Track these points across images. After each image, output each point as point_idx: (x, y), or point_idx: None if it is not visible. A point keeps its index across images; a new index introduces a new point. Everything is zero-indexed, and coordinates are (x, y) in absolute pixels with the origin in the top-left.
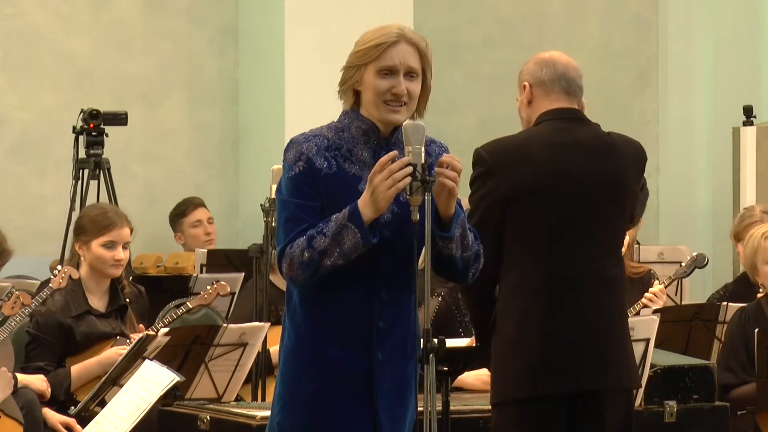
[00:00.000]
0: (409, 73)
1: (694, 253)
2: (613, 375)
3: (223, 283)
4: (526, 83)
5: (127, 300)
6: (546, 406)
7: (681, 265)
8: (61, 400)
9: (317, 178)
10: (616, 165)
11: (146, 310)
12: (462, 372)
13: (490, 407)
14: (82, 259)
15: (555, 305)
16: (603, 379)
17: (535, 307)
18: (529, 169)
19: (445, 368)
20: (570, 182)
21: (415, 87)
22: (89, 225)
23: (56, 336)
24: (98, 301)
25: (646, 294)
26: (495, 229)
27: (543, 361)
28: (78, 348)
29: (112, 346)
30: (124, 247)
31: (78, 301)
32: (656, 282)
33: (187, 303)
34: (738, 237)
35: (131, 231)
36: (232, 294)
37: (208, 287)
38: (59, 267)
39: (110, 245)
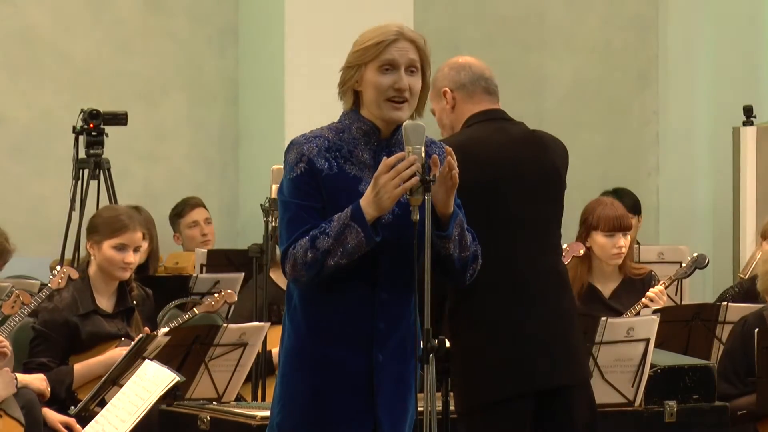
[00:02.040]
0: (410, 68)
1: (695, 254)
2: (579, 369)
3: (230, 291)
4: (447, 89)
5: (135, 302)
6: (516, 407)
7: (681, 266)
8: (62, 398)
9: (318, 179)
10: (551, 161)
11: (152, 313)
12: None
13: None
14: (92, 258)
15: (515, 305)
16: (571, 374)
17: (495, 308)
18: (474, 169)
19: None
20: (514, 180)
21: (416, 83)
22: (102, 226)
23: (61, 333)
24: (106, 302)
25: (648, 294)
26: None
27: (512, 361)
28: (83, 347)
29: (116, 347)
30: (135, 251)
31: (85, 300)
32: (656, 284)
33: (194, 309)
34: (765, 235)
35: (144, 235)
36: None
37: (216, 294)
38: (58, 267)
39: (121, 248)
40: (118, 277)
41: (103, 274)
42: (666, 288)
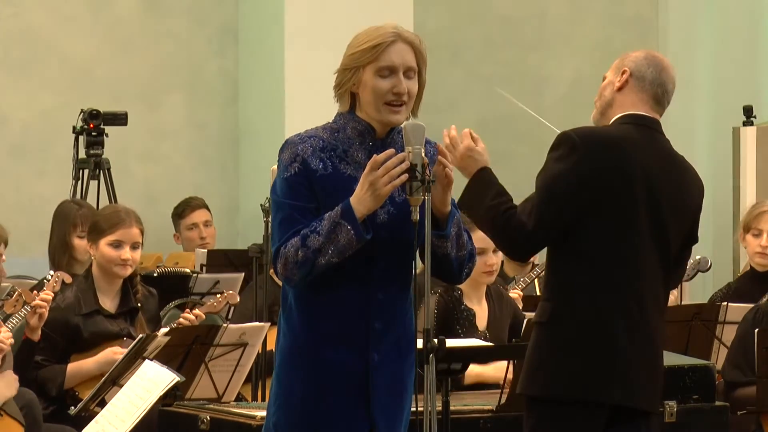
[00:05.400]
0: (408, 72)
1: (697, 257)
2: (659, 397)
3: (232, 292)
4: (628, 69)
5: (139, 304)
6: (594, 413)
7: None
8: (53, 396)
9: (312, 179)
10: (695, 188)
11: (157, 312)
12: (463, 371)
13: (490, 407)
14: (92, 258)
15: (634, 317)
16: (655, 401)
17: (616, 313)
18: (618, 166)
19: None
20: (653, 190)
21: (414, 86)
22: (98, 224)
23: (61, 333)
24: (109, 302)
25: None
26: (562, 207)
27: (612, 368)
28: (85, 346)
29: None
30: (133, 248)
31: (88, 299)
32: None
33: (196, 310)
34: (748, 227)
35: (142, 232)
36: None
37: (218, 295)
38: (51, 272)
39: (117, 244)
40: (117, 275)
41: (103, 273)
42: None
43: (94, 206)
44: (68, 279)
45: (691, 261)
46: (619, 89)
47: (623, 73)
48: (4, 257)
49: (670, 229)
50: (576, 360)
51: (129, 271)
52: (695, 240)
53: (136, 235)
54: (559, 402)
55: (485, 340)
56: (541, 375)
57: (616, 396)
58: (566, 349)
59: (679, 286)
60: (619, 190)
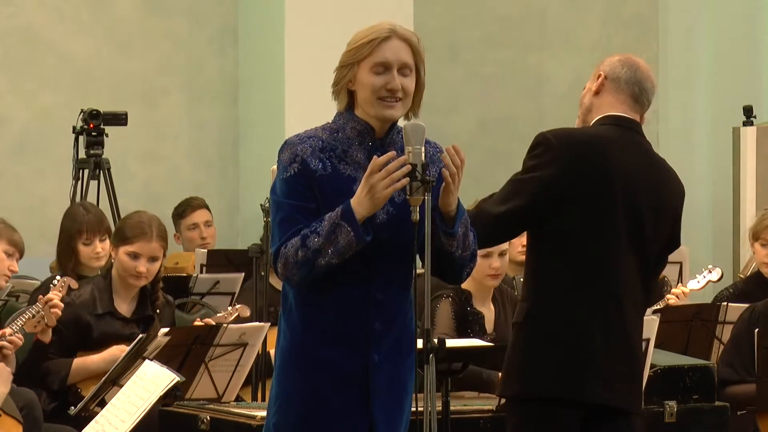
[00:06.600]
0: (403, 69)
1: (709, 266)
2: (640, 398)
3: (243, 306)
4: (603, 73)
5: (157, 311)
6: (568, 412)
7: (696, 277)
8: (55, 389)
9: (312, 180)
10: (674, 191)
11: (172, 321)
12: (462, 372)
13: (490, 407)
14: (113, 261)
15: (603, 317)
16: (634, 401)
17: (584, 315)
18: (595, 165)
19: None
20: (632, 192)
21: (410, 83)
22: (122, 230)
23: (71, 329)
24: (126, 306)
25: (674, 290)
26: (530, 203)
27: (593, 368)
28: (93, 345)
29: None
30: (152, 260)
31: (104, 300)
32: (676, 286)
33: (207, 320)
34: (757, 236)
35: (163, 246)
36: (232, 294)
37: (229, 308)
38: (58, 277)
39: (134, 256)
40: (131, 285)
41: (120, 279)
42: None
43: (99, 208)
44: (75, 285)
45: (704, 271)
46: (596, 93)
47: (599, 77)
48: (16, 268)
49: (649, 230)
50: (551, 359)
51: (143, 282)
52: (677, 244)
53: (155, 249)
54: (536, 401)
55: (493, 342)
56: (518, 375)
57: (590, 394)
58: (541, 348)
59: (680, 284)
60: (596, 190)
